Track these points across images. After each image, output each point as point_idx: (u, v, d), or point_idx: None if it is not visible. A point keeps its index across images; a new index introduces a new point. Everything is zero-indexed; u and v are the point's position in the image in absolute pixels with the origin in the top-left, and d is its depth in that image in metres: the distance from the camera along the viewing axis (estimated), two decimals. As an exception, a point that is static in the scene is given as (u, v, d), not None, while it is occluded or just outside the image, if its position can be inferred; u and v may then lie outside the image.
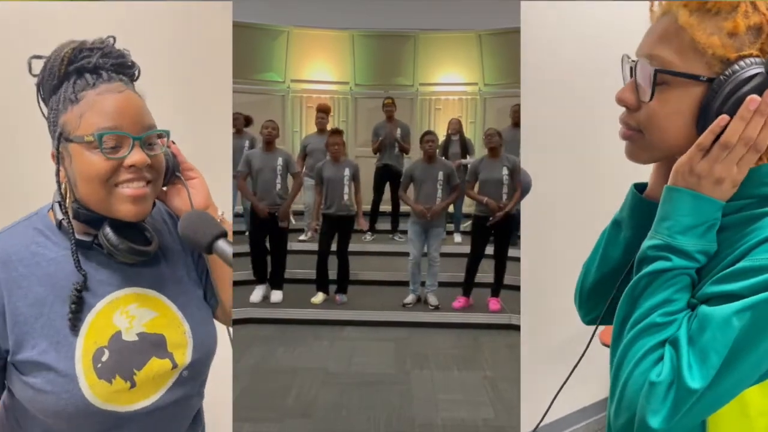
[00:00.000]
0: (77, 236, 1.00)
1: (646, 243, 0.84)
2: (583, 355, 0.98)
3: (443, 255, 4.78)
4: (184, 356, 1.07)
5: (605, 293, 0.97)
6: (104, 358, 0.99)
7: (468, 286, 4.59)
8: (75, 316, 0.98)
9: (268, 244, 4.68)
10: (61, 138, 0.97)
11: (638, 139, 0.87)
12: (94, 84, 0.98)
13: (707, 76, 0.80)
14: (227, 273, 1.14)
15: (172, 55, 2.09)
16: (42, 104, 1.03)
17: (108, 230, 0.99)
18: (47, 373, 0.96)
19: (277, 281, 4.72)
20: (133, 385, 1.01)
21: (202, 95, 2.19)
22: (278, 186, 4.51)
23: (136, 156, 0.97)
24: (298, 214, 4.81)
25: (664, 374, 0.76)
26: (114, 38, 1.03)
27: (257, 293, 4.69)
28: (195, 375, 1.10)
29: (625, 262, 0.95)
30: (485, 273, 4.64)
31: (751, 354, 0.74)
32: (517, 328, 4.26)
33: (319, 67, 7.44)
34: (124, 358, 1.01)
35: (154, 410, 1.04)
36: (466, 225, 4.87)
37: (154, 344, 1.04)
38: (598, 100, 2.82)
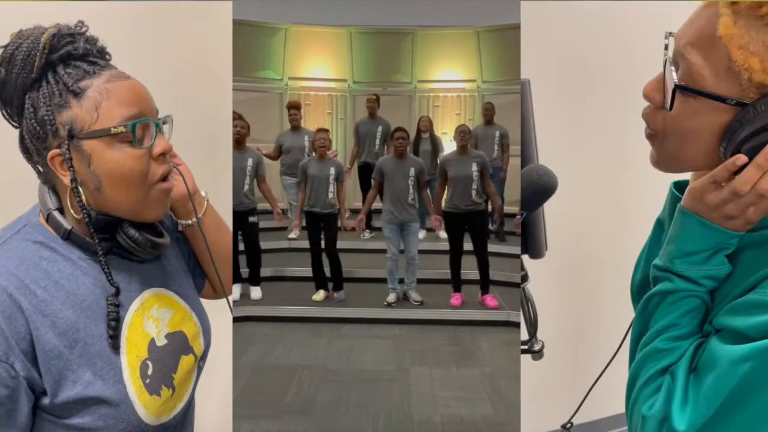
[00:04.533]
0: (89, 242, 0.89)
1: (654, 261, 0.80)
2: (613, 356, 0.95)
3: (431, 252, 4.75)
4: (200, 346, 1.06)
5: None
6: (150, 372, 0.92)
7: (456, 282, 4.58)
8: (115, 333, 0.87)
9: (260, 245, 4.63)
10: (71, 137, 0.84)
11: (658, 143, 0.79)
12: (94, 72, 0.87)
13: (737, 99, 0.68)
14: (211, 246, 1.09)
15: (172, 55, 2.08)
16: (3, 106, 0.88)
17: (129, 228, 0.90)
18: (97, 408, 0.85)
19: (254, 278, 4.68)
20: (173, 390, 0.96)
21: (202, 94, 2.18)
22: (246, 186, 4.45)
23: (163, 143, 0.90)
24: (266, 212, 4.72)
25: (655, 408, 0.73)
26: (82, 22, 0.92)
27: (235, 291, 4.63)
28: (205, 361, 1.10)
29: None
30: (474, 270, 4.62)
31: (747, 407, 0.68)
32: (515, 324, 4.27)
33: (317, 65, 7.42)
34: (164, 366, 0.95)
35: (186, 410, 1.02)
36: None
37: (179, 343, 1.00)
38: (599, 98, 2.83)
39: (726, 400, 0.68)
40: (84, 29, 0.90)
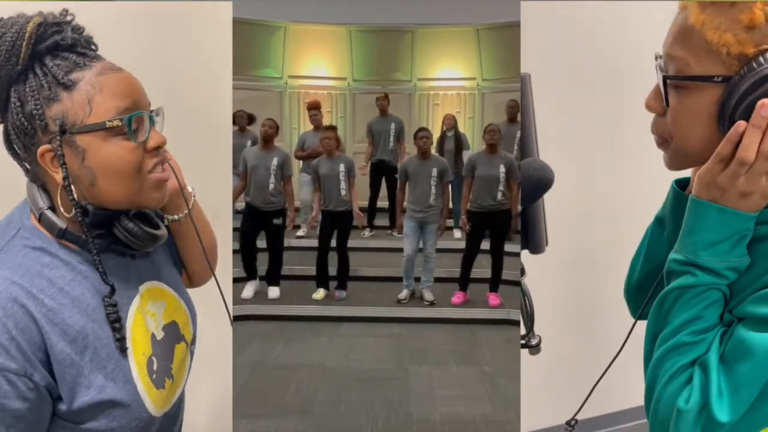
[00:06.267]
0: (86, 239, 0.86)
1: (671, 256, 0.79)
2: (620, 351, 0.94)
3: (442, 251, 4.77)
4: (191, 332, 1.07)
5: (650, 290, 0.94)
6: (155, 367, 0.92)
7: (464, 281, 4.59)
8: (121, 334, 0.86)
9: (264, 242, 4.65)
10: (62, 132, 0.81)
11: (669, 147, 0.82)
12: (85, 64, 0.83)
13: (723, 75, 0.72)
14: (193, 239, 1.09)
15: (172, 54, 2.08)
16: None
17: (127, 222, 0.89)
18: (111, 410, 0.85)
19: (274, 278, 4.72)
20: (173, 380, 0.97)
21: (202, 94, 2.17)
22: (271, 185, 4.48)
23: (157, 137, 0.88)
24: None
25: (693, 401, 0.72)
26: (67, 10, 0.86)
27: (249, 290, 4.66)
28: (195, 346, 1.10)
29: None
30: (483, 268, 4.64)
31: None
32: (515, 323, 4.27)
33: (317, 63, 7.41)
34: (164, 358, 0.96)
35: (181, 397, 1.04)
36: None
37: (174, 332, 1.01)
38: (599, 94, 2.82)
39: (765, 386, 0.70)
40: (70, 17, 0.86)
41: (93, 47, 0.88)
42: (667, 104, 0.77)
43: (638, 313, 0.95)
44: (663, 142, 0.82)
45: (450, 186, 4.74)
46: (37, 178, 0.88)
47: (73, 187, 0.83)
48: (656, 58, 0.81)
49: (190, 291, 1.14)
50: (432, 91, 7.45)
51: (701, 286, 0.75)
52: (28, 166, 0.87)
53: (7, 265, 0.82)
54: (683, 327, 0.76)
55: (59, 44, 0.82)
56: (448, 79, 7.43)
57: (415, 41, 7.38)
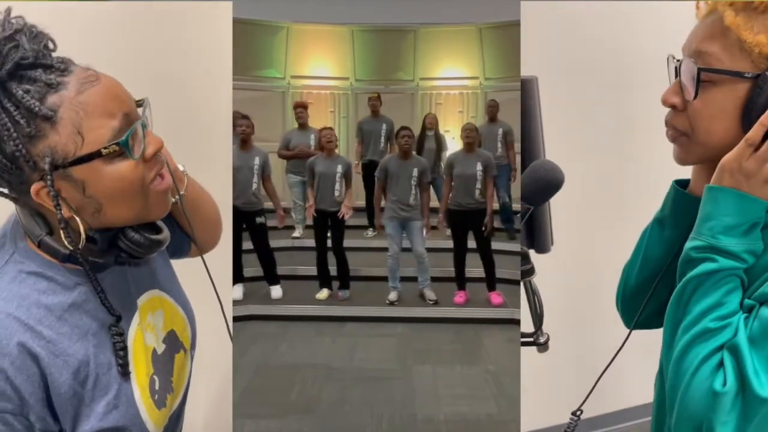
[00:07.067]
0: (93, 260, 0.82)
1: (689, 244, 0.81)
2: (620, 349, 0.95)
3: (443, 250, 4.76)
4: (189, 338, 1.04)
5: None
6: (157, 386, 0.89)
7: (460, 279, 4.59)
8: (124, 360, 0.83)
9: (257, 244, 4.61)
10: (54, 168, 0.73)
11: (684, 141, 0.85)
12: (58, 82, 0.73)
13: (753, 72, 0.78)
14: (195, 213, 1.04)
15: (172, 54, 2.08)
16: None
17: (130, 232, 0.84)
18: None
19: (273, 277, 4.70)
20: (173, 393, 0.95)
21: (202, 94, 2.18)
22: (254, 185, 4.46)
23: (154, 142, 0.81)
24: (271, 211, 4.74)
25: (729, 383, 0.73)
26: (10, 10, 0.74)
27: (237, 291, 4.60)
28: (195, 350, 1.08)
29: (667, 263, 0.92)
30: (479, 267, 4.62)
31: None
32: (518, 322, 4.26)
33: (319, 63, 7.41)
34: (165, 373, 0.93)
35: (182, 402, 1.02)
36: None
37: (173, 342, 0.98)
38: (602, 94, 2.81)
39: None
40: (21, 23, 0.73)
41: (52, 47, 0.76)
42: (695, 97, 0.81)
43: (634, 321, 0.95)
44: (679, 135, 0.85)
45: (432, 186, 4.75)
46: (30, 207, 0.81)
47: (77, 218, 0.78)
48: (672, 59, 0.86)
49: (190, 289, 1.12)
50: (434, 91, 7.44)
51: (721, 272, 0.77)
52: (17, 197, 0.81)
53: (3, 296, 0.77)
54: (706, 314, 0.77)
55: (20, 64, 0.71)
56: (450, 79, 7.42)
57: (417, 41, 7.38)
